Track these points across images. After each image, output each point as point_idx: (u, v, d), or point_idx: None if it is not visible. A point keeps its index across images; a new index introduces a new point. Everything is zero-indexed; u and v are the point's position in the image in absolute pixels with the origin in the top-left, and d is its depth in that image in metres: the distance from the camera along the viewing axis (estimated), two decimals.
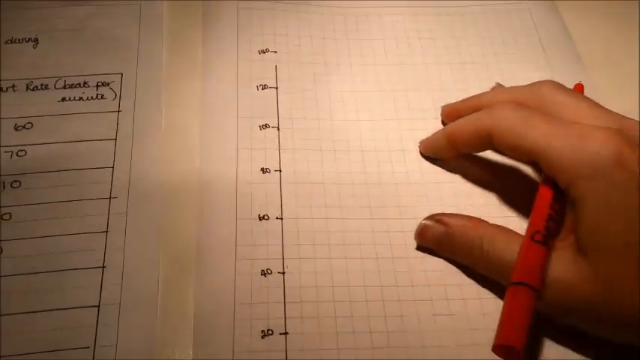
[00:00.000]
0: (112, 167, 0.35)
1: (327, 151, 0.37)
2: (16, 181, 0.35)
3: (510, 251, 0.30)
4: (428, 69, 0.41)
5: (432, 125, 0.38)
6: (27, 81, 0.39)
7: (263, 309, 0.31)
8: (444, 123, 0.38)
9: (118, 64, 0.39)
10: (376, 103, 0.39)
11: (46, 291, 0.31)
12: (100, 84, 0.39)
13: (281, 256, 0.33)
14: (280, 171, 0.36)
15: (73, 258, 0.32)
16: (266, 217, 0.34)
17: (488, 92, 0.37)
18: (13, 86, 0.38)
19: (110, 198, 0.34)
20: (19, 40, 0.40)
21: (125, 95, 0.38)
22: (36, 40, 0.41)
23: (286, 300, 0.31)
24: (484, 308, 0.32)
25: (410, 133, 0.38)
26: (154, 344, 0.30)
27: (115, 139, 0.36)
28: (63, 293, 0.31)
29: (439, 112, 0.39)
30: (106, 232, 0.33)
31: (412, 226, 0.34)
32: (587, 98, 0.33)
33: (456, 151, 0.35)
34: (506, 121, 0.31)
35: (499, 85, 0.38)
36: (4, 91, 0.38)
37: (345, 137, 0.38)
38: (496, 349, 0.28)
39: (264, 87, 0.39)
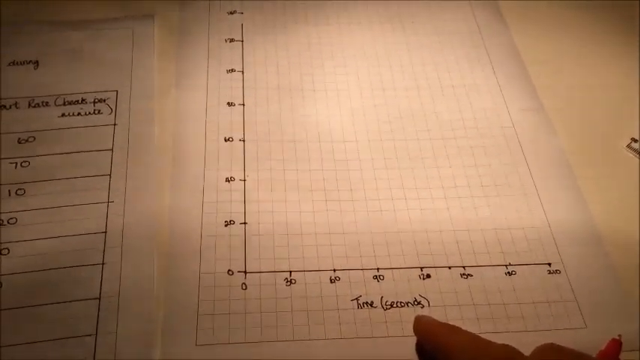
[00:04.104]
0: (109, 175, 0.38)
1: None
2: (20, 189, 0.37)
3: None
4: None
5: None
6: (29, 99, 0.42)
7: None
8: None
9: (113, 82, 0.43)
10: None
11: (51, 286, 0.34)
12: (96, 100, 0.42)
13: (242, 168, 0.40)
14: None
15: (75, 256, 0.35)
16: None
17: None
18: (16, 104, 0.42)
19: (108, 202, 0.37)
20: (20, 62, 0.44)
21: (120, 110, 0.42)
22: (36, 63, 0.44)
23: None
24: None
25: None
26: (152, 330, 0.33)
27: (112, 149, 0.40)
28: (66, 287, 0.34)
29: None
30: (105, 232, 0.36)
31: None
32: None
33: None
34: None
35: None
36: (8, 109, 0.41)
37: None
38: None
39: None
